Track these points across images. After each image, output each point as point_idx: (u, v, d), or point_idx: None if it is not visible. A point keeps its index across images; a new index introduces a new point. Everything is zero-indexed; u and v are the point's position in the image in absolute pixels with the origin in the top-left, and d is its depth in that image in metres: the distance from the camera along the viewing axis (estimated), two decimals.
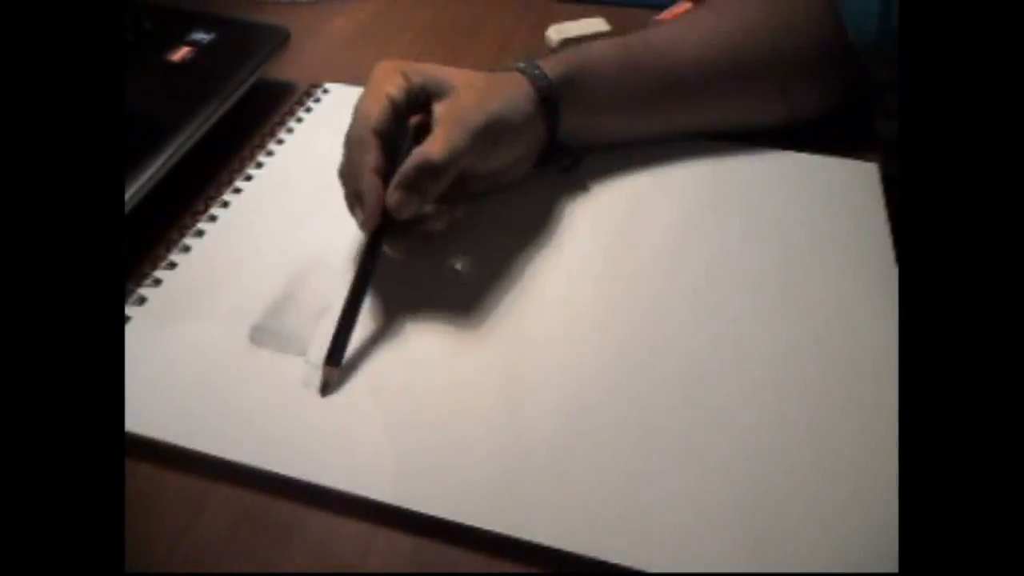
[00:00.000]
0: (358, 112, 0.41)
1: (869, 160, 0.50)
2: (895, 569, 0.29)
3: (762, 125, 0.51)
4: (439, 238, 0.43)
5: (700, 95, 0.49)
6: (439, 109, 0.42)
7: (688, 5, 0.65)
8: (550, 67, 0.45)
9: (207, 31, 0.56)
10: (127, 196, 0.43)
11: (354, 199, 0.41)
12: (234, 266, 0.43)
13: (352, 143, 0.41)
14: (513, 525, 0.32)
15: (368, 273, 0.40)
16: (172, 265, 0.43)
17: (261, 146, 0.52)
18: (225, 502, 0.34)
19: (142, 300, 0.41)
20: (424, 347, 0.39)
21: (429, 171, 0.39)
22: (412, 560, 0.32)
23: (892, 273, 0.43)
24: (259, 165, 0.50)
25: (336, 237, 0.45)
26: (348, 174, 0.41)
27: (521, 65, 0.45)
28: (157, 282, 0.42)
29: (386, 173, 0.40)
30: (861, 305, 0.41)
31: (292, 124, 0.53)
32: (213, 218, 0.46)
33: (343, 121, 0.54)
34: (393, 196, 0.39)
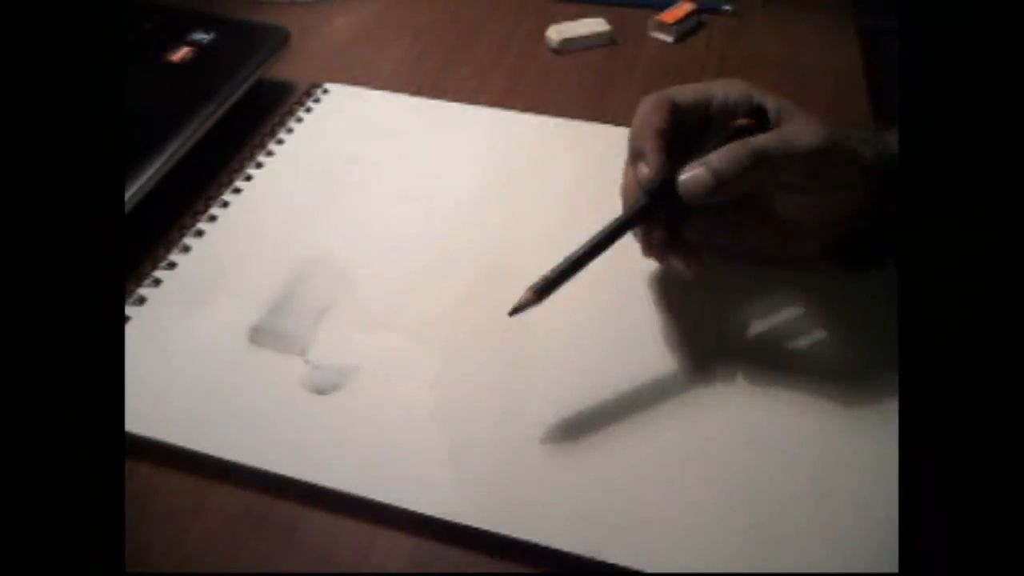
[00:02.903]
0: (670, 88, 0.38)
1: None
2: (895, 569, 0.29)
3: None
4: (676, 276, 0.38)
5: None
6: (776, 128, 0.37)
7: (689, 6, 0.65)
8: (894, 140, 0.39)
9: (207, 31, 0.56)
10: (127, 196, 0.43)
11: (635, 157, 0.38)
12: (234, 266, 0.43)
13: (648, 101, 0.38)
14: (513, 525, 0.33)
15: (609, 242, 0.36)
16: (172, 265, 0.43)
17: (261, 146, 0.52)
18: (225, 502, 0.34)
19: (142, 300, 0.41)
20: (424, 347, 0.39)
21: (752, 157, 0.34)
22: (412, 560, 0.32)
23: (892, 274, 0.43)
24: (259, 165, 0.50)
25: (336, 237, 0.45)
26: (634, 131, 0.38)
27: (861, 132, 0.39)
28: (157, 282, 0.42)
29: (673, 143, 0.37)
30: (860, 304, 0.41)
31: (292, 124, 0.53)
32: (213, 218, 0.46)
33: (343, 121, 0.54)
34: (690, 171, 0.35)
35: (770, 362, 0.39)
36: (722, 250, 0.40)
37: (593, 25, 0.64)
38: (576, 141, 0.53)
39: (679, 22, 0.64)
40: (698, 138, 0.38)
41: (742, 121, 0.38)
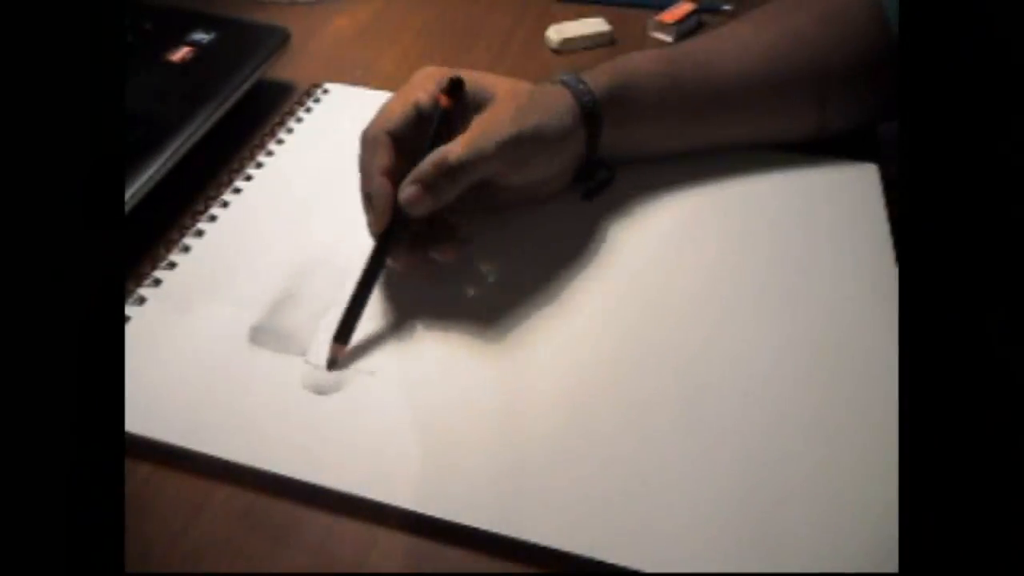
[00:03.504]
0: (380, 111, 0.41)
1: (869, 161, 0.50)
2: (895, 569, 0.29)
3: (789, 140, 0.50)
4: (441, 268, 0.42)
5: (739, 108, 0.48)
6: (476, 118, 0.41)
7: (689, 6, 0.65)
8: (594, 81, 0.44)
9: (207, 31, 0.56)
10: (127, 196, 0.43)
11: (364, 201, 0.41)
12: (234, 266, 0.43)
13: (366, 142, 0.41)
14: (513, 525, 0.32)
15: (374, 276, 0.40)
16: (172, 265, 0.43)
17: (261, 146, 0.52)
18: (225, 502, 0.34)
19: (142, 300, 0.41)
20: (425, 348, 0.39)
21: (445, 170, 0.38)
22: (412, 560, 0.32)
23: (892, 273, 0.43)
24: (259, 165, 0.50)
25: (336, 237, 0.45)
26: (361, 173, 0.41)
27: (565, 78, 0.44)
28: (157, 282, 0.42)
29: (402, 174, 0.39)
30: (861, 306, 0.41)
31: (292, 124, 0.53)
32: (213, 218, 0.46)
33: (343, 121, 0.54)
34: (405, 190, 0.39)
35: (770, 362, 0.39)
36: (484, 211, 0.44)
37: (593, 25, 0.64)
38: None
39: (679, 22, 0.64)
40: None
41: (443, 105, 0.41)
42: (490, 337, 0.40)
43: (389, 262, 0.40)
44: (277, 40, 0.57)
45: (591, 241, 0.45)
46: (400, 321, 0.41)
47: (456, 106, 0.41)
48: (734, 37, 0.49)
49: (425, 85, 0.42)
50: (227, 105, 0.51)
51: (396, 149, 0.40)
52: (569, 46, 0.63)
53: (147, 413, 0.36)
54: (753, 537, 0.32)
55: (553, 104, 0.43)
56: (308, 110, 0.55)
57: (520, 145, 0.40)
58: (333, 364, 0.38)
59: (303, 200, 0.48)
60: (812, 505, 0.33)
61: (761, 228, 0.46)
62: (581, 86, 0.44)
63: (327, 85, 0.57)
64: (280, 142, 0.52)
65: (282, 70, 0.58)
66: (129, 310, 0.41)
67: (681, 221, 0.46)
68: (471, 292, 0.42)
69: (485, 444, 0.35)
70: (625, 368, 0.39)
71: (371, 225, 0.40)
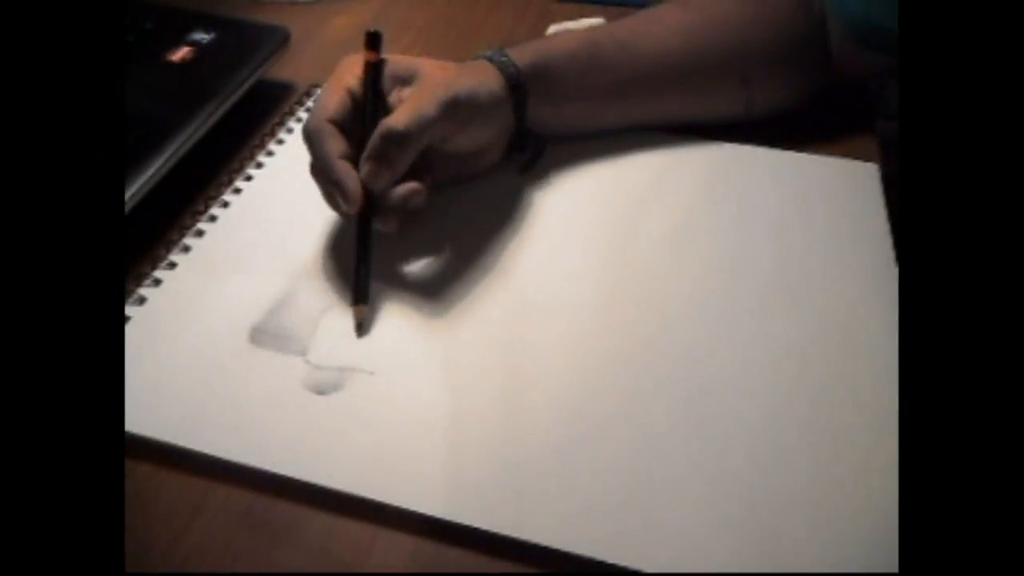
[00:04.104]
0: (315, 105, 0.42)
1: (869, 160, 0.50)
2: (895, 569, 0.29)
3: (720, 120, 0.52)
4: (419, 217, 0.44)
5: (660, 89, 0.50)
6: (410, 90, 0.43)
7: None
8: (517, 56, 0.46)
9: (207, 31, 0.56)
10: (127, 196, 0.43)
11: (332, 189, 0.41)
12: (234, 266, 0.43)
13: (312, 135, 0.41)
14: (513, 525, 0.32)
15: (366, 254, 0.42)
16: (172, 265, 0.43)
17: (261, 146, 0.52)
18: (225, 502, 0.34)
19: (142, 300, 0.41)
20: (425, 348, 0.39)
21: (394, 139, 0.40)
22: (412, 560, 0.32)
23: (892, 273, 0.43)
24: (259, 165, 0.50)
25: (336, 237, 0.45)
26: (317, 168, 0.42)
27: (488, 53, 0.46)
28: (157, 282, 0.42)
29: (354, 160, 0.41)
30: (861, 305, 0.41)
31: (292, 124, 0.53)
32: (213, 218, 0.46)
33: None
34: (364, 168, 0.40)
35: (770, 361, 0.39)
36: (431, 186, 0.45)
37: (593, 25, 0.64)
38: None
39: None
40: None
41: (369, 59, 0.44)
42: (491, 337, 0.40)
43: (380, 228, 0.42)
44: (277, 40, 0.57)
45: (585, 238, 0.45)
46: (400, 321, 0.41)
47: (381, 65, 0.44)
48: (659, 18, 0.51)
49: (352, 70, 0.44)
50: (227, 105, 0.51)
51: (340, 131, 0.41)
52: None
53: (147, 413, 0.36)
54: (753, 537, 0.32)
55: (480, 73, 0.44)
56: (308, 110, 0.55)
57: (457, 106, 0.41)
58: (361, 328, 0.40)
59: (303, 200, 0.48)
60: (812, 505, 0.33)
61: (761, 228, 0.46)
62: (504, 59, 0.45)
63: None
64: (280, 142, 0.52)
65: (282, 70, 0.58)
66: (129, 310, 0.41)
67: (679, 219, 0.46)
68: (470, 292, 0.42)
69: (485, 444, 0.35)
70: (626, 368, 0.39)
71: (349, 209, 0.41)
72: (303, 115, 0.54)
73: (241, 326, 0.40)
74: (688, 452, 0.35)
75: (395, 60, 0.45)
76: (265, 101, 0.56)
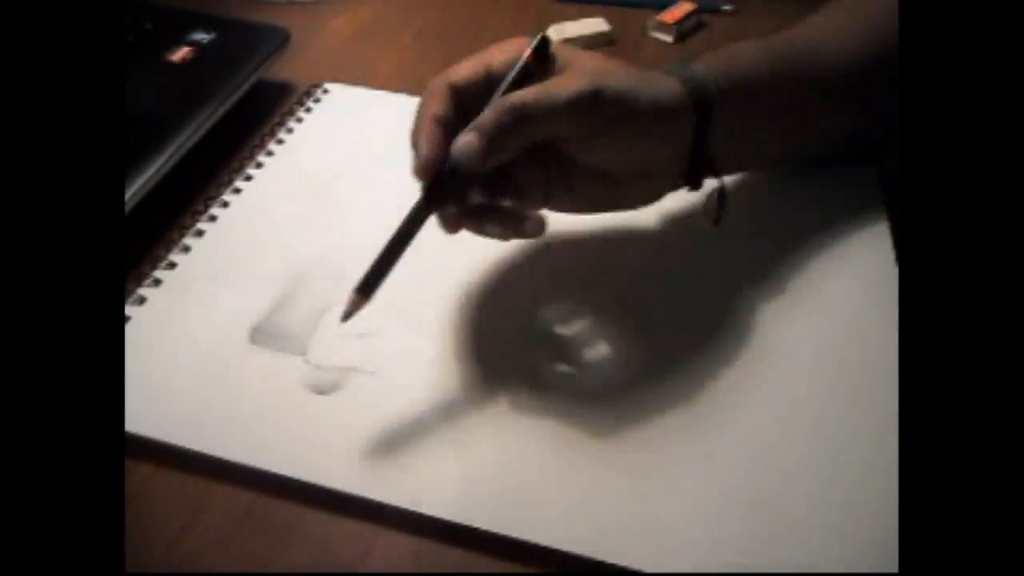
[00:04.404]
0: (448, 69, 0.38)
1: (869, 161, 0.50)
2: (895, 569, 0.29)
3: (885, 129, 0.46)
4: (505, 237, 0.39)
5: (846, 98, 0.44)
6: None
7: (689, 6, 0.65)
8: (703, 66, 0.40)
9: (207, 31, 0.56)
10: (127, 196, 0.43)
11: (412, 150, 0.36)
12: (234, 266, 0.43)
13: (426, 92, 0.37)
14: (513, 525, 0.32)
15: (412, 231, 0.36)
16: (172, 265, 0.43)
17: (261, 146, 0.52)
18: (225, 502, 0.34)
19: (142, 300, 0.41)
20: (425, 347, 0.39)
21: (510, 113, 0.34)
22: (412, 560, 0.32)
23: (892, 273, 0.43)
24: (259, 165, 0.50)
25: (336, 237, 0.45)
26: (413, 127, 0.36)
27: (670, 66, 0.40)
28: (157, 282, 0.42)
29: (457, 126, 0.35)
30: (861, 306, 0.41)
31: (292, 124, 0.53)
32: (213, 218, 0.46)
33: (343, 121, 0.54)
34: (460, 139, 0.34)
35: (769, 362, 0.39)
36: (556, 205, 0.40)
37: (593, 25, 0.64)
38: None
39: (679, 22, 0.64)
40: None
41: (526, 57, 0.36)
42: (492, 336, 0.40)
43: (437, 220, 0.36)
44: (277, 40, 0.57)
45: (576, 232, 0.45)
46: (401, 320, 0.41)
47: (537, 68, 0.37)
48: (829, 23, 0.45)
49: (504, 49, 0.37)
50: (227, 105, 0.51)
51: (455, 98, 0.36)
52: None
53: (147, 413, 0.36)
54: (753, 537, 0.32)
55: (653, 79, 0.38)
56: (308, 110, 0.55)
57: (598, 105, 0.35)
58: (347, 317, 0.35)
59: (303, 200, 0.48)
60: (812, 505, 0.33)
61: (759, 228, 0.46)
62: (688, 72, 0.39)
63: (327, 85, 0.57)
64: (280, 142, 0.52)
65: (282, 70, 0.58)
66: (129, 310, 0.41)
67: (678, 219, 0.46)
68: (472, 293, 0.42)
69: (485, 444, 0.35)
70: (625, 368, 0.39)
71: (415, 169, 0.35)
72: (303, 115, 0.54)
73: (241, 326, 0.40)
74: (688, 452, 0.35)
75: (559, 51, 0.38)
76: (265, 101, 0.56)
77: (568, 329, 0.40)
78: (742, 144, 0.42)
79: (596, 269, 0.44)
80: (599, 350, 0.39)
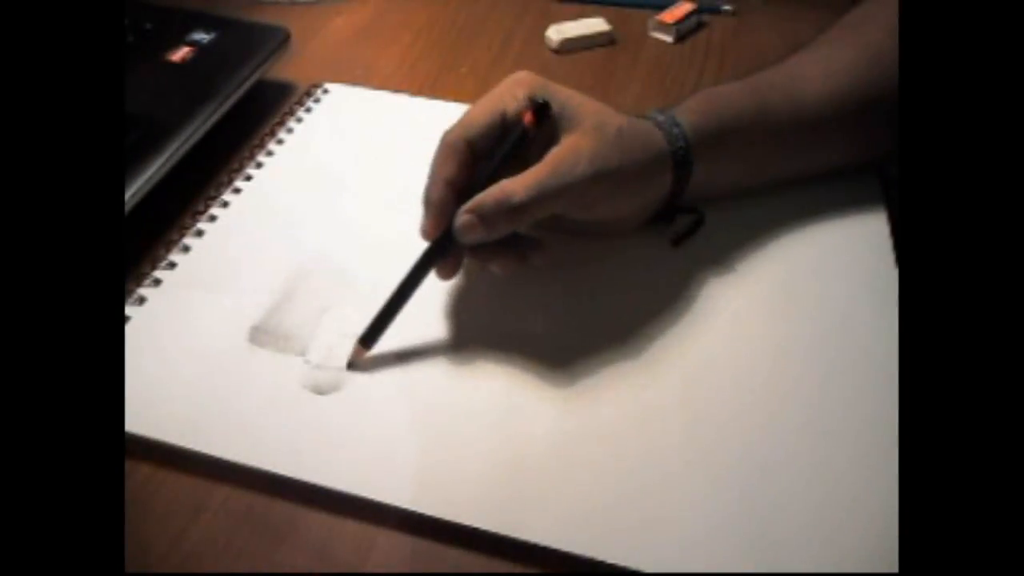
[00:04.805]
0: (464, 116, 0.39)
1: None
2: (895, 569, 0.29)
3: (869, 159, 0.48)
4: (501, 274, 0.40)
5: (823, 133, 0.46)
6: (554, 147, 0.39)
7: (689, 6, 0.65)
8: (688, 119, 0.42)
9: (207, 31, 0.56)
10: (127, 196, 0.43)
11: (425, 203, 0.39)
12: (234, 266, 0.43)
13: (441, 145, 0.39)
14: (513, 525, 0.33)
15: (415, 283, 0.38)
16: (172, 265, 0.43)
17: (261, 146, 0.52)
18: (225, 502, 0.34)
19: (142, 300, 0.41)
20: (425, 347, 0.39)
21: (506, 208, 0.36)
22: (412, 560, 0.32)
23: (892, 274, 0.43)
24: (259, 165, 0.50)
25: (336, 237, 0.45)
26: (428, 175, 0.39)
27: (660, 117, 0.42)
28: (157, 282, 0.42)
29: (468, 184, 0.38)
30: (861, 306, 0.41)
31: (292, 124, 0.53)
32: (213, 218, 0.46)
33: (343, 121, 0.54)
34: (460, 218, 0.37)
35: (770, 362, 0.39)
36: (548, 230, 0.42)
37: (593, 25, 0.64)
38: None
39: (679, 22, 0.64)
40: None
41: (525, 123, 0.38)
42: (492, 337, 0.40)
43: (433, 273, 0.39)
44: (277, 40, 0.57)
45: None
46: (403, 320, 0.41)
47: (538, 131, 0.39)
48: (814, 59, 0.47)
49: (515, 92, 0.39)
50: (227, 105, 0.51)
51: (470, 156, 0.39)
52: (569, 46, 0.63)
53: (147, 413, 0.36)
54: (753, 537, 0.32)
55: (640, 145, 0.40)
56: (308, 110, 0.55)
57: (588, 190, 0.38)
58: (352, 366, 0.38)
59: (303, 200, 0.48)
60: (812, 505, 0.33)
61: (759, 228, 0.46)
62: (676, 130, 0.41)
63: (327, 85, 0.57)
64: (280, 142, 0.52)
65: (282, 70, 0.58)
66: (129, 310, 0.41)
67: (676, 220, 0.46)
68: (472, 293, 0.42)
69: (485, 444, 0.35)
70: (625, 368, 0.39)
71: (422, 231, 0.39)
72: (303, 115, 0.54)
73: (241, 326, 0.40)
74: (688, 452, 0.35)
75: (559, 99, 0.39)
76: (265, 101, 0.56)
77: (568, 329, 0.40)
78: (720, 185, 0.45)
79: (588, 271, 0.44)
80: (598, 350, 0.39)
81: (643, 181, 0.41)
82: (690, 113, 0.43)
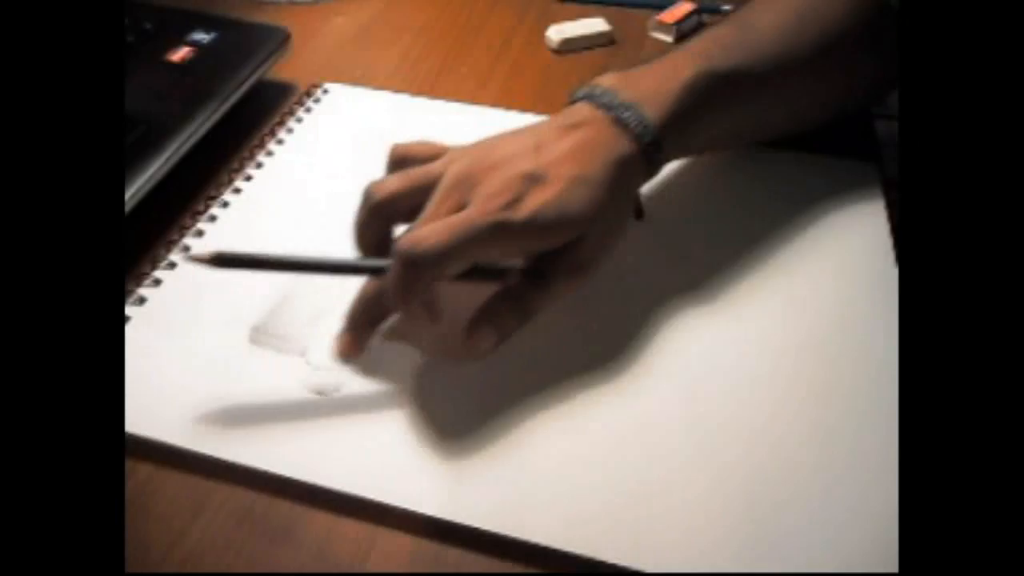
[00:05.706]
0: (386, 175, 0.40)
1: (869, 160, 0.50)
2: (895, 569, 0.29)
3: (832, 113, 0.48)
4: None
5: (778, 90, 0.45)
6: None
7: (689, 6, 0.65)
8: (655, 113, 0.40)
9: (207, 31, 0.56)
10: (127, 196, 0.43)
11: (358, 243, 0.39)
12: None
13: (361, 209, 0.39)
14: (513, 525, 0.33)
15: (338, 270, 0.39)
16: (172, 265, 0.43)
17: (261, 146, 0.52)
18: (225, 502, 0.34)
19: (142, 300, 0.41)
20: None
21: (410, 264, 0.34)
22: (412, 560, 0.32)
23: (892, 273, 0.43)
24: (259, 165, 0.50)
25: (336, 237, 0.45)
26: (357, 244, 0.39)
27: (629, 118, 0.39)
28: (157, 282, 0.42)
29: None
30: (861, 306, 0.41)
31: (292, 124, 0.53)
32: (213, 218, 0.46)
33: (343, 121, 0.54)
34: (388, 295, 0.35)
35: (770, 361, 0.39)
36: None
37: (593, 25, 0.64)
38: None
39: (679, 22, 0.64)
40: None
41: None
42: None
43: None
44: (277, 40, 0.57)
45: None
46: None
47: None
48: (747, 23, 0.46)
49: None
50: (227, 105, 0.51)
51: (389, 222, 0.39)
52: (569, 46, 0.63)
53: (147, 413, 0.36)
54: (753, 537, 0.32)
55: (603, 179, 0.38)
56: (308, 110, 0.55)
57: (520, 234, 0.36)
58: (194, 258, 0.35)
59: (303, 200, 0.48)
60: (812, 505, 0.33)
61: (759, 228, 0.46)
62: (641, 125, 0.39)
63: (327, 85, 0.57)
64: (280, 142, 0.52)
65: (282, 70, 0.58)
66: (129, 310, 0.41)
67: (677, 219, 0.46)
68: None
69: (486, 444, 0.35)
70: (624, 367, 0.39)
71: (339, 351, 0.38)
72: (303, 115, 0.54)
73: (241, 326, 0.40)
74: (688, 452, 0.35)
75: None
76: (265, 101, 0.56)
77: (566, 330, 0.40)
78: (687, 152, 0.46)
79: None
80: (597, 351, 0.39)
81: (611, 213, 0.39)
82: (659, 106, 0.40)
